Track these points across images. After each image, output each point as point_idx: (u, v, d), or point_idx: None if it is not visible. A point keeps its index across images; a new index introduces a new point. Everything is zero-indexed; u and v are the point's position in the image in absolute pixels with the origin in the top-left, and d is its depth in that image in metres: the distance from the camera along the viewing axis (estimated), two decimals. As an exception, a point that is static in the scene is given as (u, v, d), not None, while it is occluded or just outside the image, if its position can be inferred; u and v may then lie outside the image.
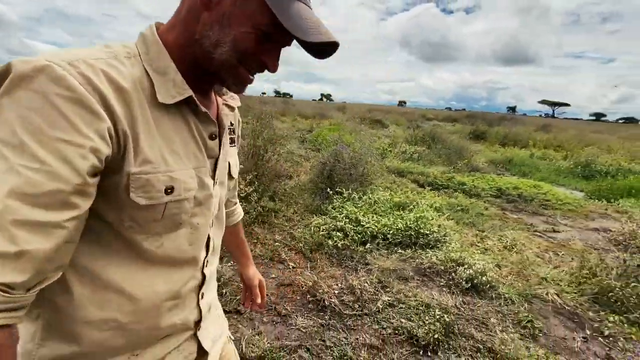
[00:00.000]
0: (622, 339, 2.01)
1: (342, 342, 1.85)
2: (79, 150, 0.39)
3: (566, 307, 2.36)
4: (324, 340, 1.86)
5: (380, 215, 3.39)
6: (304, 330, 1.93)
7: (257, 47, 0.50)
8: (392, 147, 7.36)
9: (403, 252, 2.94)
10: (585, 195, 5.85)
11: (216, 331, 0.71)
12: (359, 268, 2.65)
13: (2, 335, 0.37)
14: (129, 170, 0.45)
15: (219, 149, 0.60)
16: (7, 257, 0.35)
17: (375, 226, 3.14)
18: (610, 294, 2.33)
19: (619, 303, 2.29)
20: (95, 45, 0.47)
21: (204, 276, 0.62)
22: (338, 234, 2.97)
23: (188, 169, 0.52)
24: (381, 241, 3.06)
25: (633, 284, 2.28)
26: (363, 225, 3.11)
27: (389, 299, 2.25)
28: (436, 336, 1.86)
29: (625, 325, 2.06)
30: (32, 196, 0.36)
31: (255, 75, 0.55)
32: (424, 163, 6.49)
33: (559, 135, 12.34)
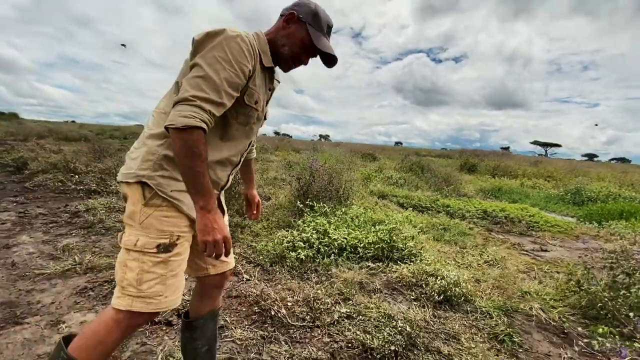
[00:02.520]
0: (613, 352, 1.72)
1: (282, 356, 1.56)
2: (248, 68, 0.93)
3: (552, 322, 2.08)
4: (260, 354, 1.57)
5: (352, 229, 3.17)
6: (239, 343, 1.64)
7: (301, 51, 1.04)
8: (379, 172, 7.26)
9: (373, 265, 2.68)
10: (577, 220, 5.64)
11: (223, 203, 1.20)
12: (322, 280, 2.39)
13: (202, 133, 0.84)
14: (249, 85, 0.97)
15: (269, 97, 1.14)
16: (216, 103, 0.87)
17: (345, 239, 2.91)
18: (600, 305, 2.06)
19: (609, 316, 2.02)
20: (244, 30, 0.96)
21: (240, 160, 1.10)
22: (302, 244, 2.73)
23: (263, 98, 1.05)
24: (350, 254, 2.82)
25: (623, 293, 2.02)
26: (331, 237, 2.88)
27: (348, 310, 1.97)
28: (393, 348, 1.58)
29: (617, 337, 1.77)
30: (231, 82, 0.89)
31: (296, 66, 1.11)
32: (409, 188, 6.33)
33: (549, 167, 12.35)
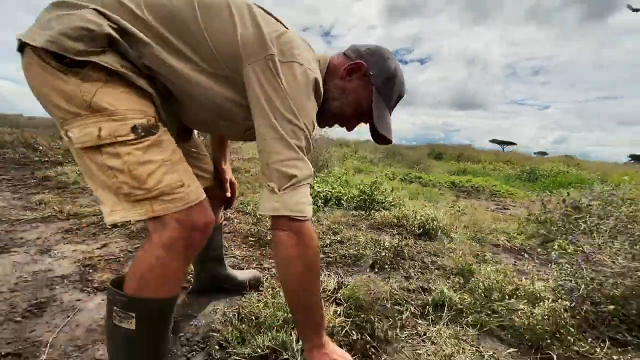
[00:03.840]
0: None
1: (282, 265, 1.66)
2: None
3: (515, 248, 2.35)
4: (261, 264, 1.67)
5: (335, 187, 3.31)
6: (240, 258, 1.72)
7: (353, 114, 0.82)
8: (354, 153, 7.50)
9: (357, 213, 2.84)
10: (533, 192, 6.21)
11: None
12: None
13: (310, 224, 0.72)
14: None
15: None
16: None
17: (329, 192, 3.04)
18: (555, 229, 2.37)
19: (564, 235, 2.32)
20: (310, 49, 0.78)
21: None
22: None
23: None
24: (334, 205, 2.96)
25: (574, 217, 2.34)
26: (315, 190, 3.00)
27: (339, 238, 2.11)
28: (384, 254, 1.74)
29: (570, 246, 2.06)
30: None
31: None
32: (383, 165, 6.62)
33: (508, 155, 13.35)
